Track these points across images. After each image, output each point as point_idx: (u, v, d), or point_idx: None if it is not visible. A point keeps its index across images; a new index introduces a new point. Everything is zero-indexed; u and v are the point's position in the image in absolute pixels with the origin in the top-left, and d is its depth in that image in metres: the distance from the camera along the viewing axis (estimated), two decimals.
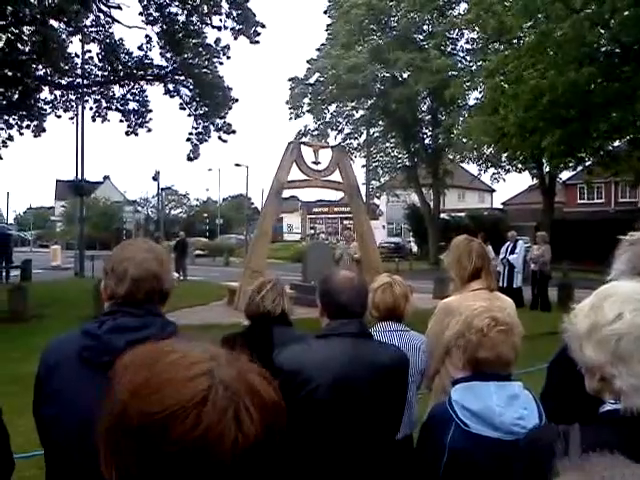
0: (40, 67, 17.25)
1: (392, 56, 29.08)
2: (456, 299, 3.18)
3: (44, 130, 19.33)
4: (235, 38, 18.59)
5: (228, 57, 18.95)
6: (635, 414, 1.32)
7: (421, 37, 31.81)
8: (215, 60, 18.79)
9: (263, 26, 18.67)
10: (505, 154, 24.73)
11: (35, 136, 19.16)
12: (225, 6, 18.00)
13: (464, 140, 27.21)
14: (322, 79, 33.03)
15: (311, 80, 33.73)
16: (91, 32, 18.25)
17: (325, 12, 35.00)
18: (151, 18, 18.01)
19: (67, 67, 17.26)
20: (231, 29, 18.36)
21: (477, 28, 24.43)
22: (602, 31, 17.57)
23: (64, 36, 16.56)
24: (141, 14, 17.91)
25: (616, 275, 2.20)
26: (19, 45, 16.23)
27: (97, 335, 1.75)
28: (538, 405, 2.15)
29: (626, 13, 16.10)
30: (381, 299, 3.07)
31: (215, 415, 0.79)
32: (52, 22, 15.52)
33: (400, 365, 2.46)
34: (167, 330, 1.79)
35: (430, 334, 3.21)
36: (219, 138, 20.11)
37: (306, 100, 34.20)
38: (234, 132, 20.30)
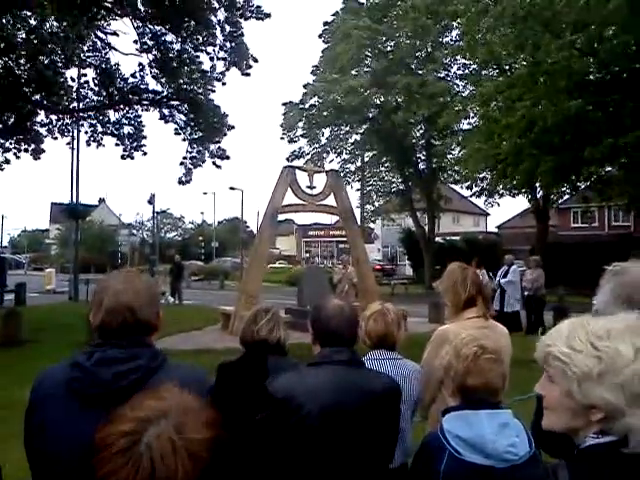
0: (35, 91, 17.39)
1: (390, 79, 29.37)
2: (452, 327, 3.18)
3: (43, 151, 19.41)
4: (227, 69, 18.86)
5: (223, 83, 19.17)
6: None
7: (416, 62, 32.18)
8: (210, 87, 18.98)
9: (255, 60, 18.93)
10: (500, 182, 24.85)
11: (34, 159, 19.23)
12: (220, 37, 18.27)
13: (457, 168, 27.57)
14: (317, 103, 33.34)
15: (307, 105, 34.03)
16: (87, 57, 18.42)
17: (320, 36, 35.38)
18: (146, 46, 18.22)
19: (62, 92, 17.37)
20: (223, 59, 18.61)
21: (468, 56, 24.76)
22: (591, 60, 17.83)
23: (59, 64, 16.68)
24: (136, 42, 18.14)
25: (600, 305, 2.23)
26: (15, 70, 16.37)
27: (85, 367, 1.75)
28: (527, 432, 2.18)
29: (614, 42, 16.36)
30: (373, 327, 3.07)
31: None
32: (47, 51, 15.65)
33: (391, 393, 2.47)
34: (155, 362, 1.79)
35: (426, 362, 3.20)
36: (213, 164, 20.23)
37: (300, 124, 34.44)
38: (228, 158, 20.43)
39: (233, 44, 18.30)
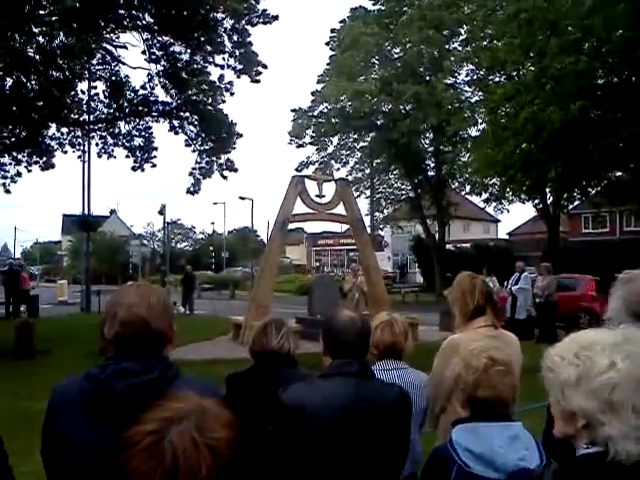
0: (46, 105, 17.53)
1: (399, 87, 29.43)
2: (463, 336, 3.17)
3: (53, 166, 19.55)
4: (238, 77, 18.90)
5: (232, 93, 19.22)
6: (623, 458, 1.34)
7: (422, 70, 32.23)
8: (219, 97, 19.05)
9: (265, 67, 18.93)
10: (509, 188, 24.77)
11: (42, 170, 19.37)
12: (228, 45, 18.32)
13: (467, 175, 27.56)
14: (326, 110, 33.46)
15: (315, 112, 34.15)
16: (97, 70, 18.57)
17: (327, 44, 35.52)
18: (154, 57, 18.34)
19: (72, 106, 17.51)
20: (233, 68, 18.68)
21: (474, 62, 24.83)
22: (598, 64, 17.80)
23: (68, 79, 16.81)
24: (144, 52, 18.25)
25: (612, 313, 2.24)
26: (27, 84, 16.54)
27: (99, 379, 1.77)
28: (538, 445, 2.15)
29: (620, 44, 16.33)
30: (380, 338, 3.08)
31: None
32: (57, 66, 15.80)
33: (402, 404, 2.48)
34: (168, 374, 1.80)
35: (436, 371, 3.19)
36: (221, 175, 20.28)
37: (309, 131, 34.54)
38: (236, 170, 20.47)
39: (242, 51, 18.37)
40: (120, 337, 1.83)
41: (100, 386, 1.75)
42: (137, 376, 1.75)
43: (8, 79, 15.77)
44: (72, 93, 17.40)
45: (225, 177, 20.41)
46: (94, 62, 17.70)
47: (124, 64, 18.60)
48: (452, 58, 29.96)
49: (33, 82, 16.13)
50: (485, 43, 21.01)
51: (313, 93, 34.30)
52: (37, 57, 14.90)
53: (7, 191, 19.49)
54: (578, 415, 1.41)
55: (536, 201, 27.84)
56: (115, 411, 1.67)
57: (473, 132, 28.92)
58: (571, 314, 16.11)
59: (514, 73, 22.40)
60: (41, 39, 15.02)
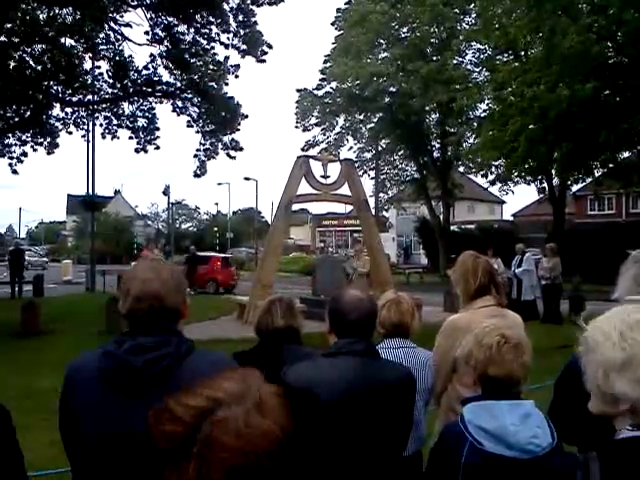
0: (52, 84, 17.46)
1: (408, 66, 29.18)
2: (464, 316, 3.17)
3: (57, 146, 19.54)
4: (242, 57, 18.78)
5: (236, 76, 19.09)
6: None
7: (430, 49, 31.93)
8: (223, 79, 18.91)
9: (270, 46, 18.80)
10: (514, 169, 24.56)
11: (48, 153, 19.38)
12: (233, 25, 18.17)
13: (472, 155, 27.40)
14: (332, 90, 33.24)
15: (321, 92, 33.97)
16: (101, 49, 18.45)
17: (333, 24, 35.20)
18: (157, 37, 18.19)
19: (78, 84, 17.42)
20: (237, 48, 18.53)
21: (483, 40, 24.57)
22: (609, 44, 17.57)
23: (76, 52, 16.71)
24: (147, 33, 18.12)
25: (622, 292, 2.21)
26: (31, 62, 16.45)
27: (116, 355, 1.78)
28: (550, 423, 2.12)
29: (633, 25, 16.10)
30: (387, 316, 3.06)
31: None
32: (65, 40, 15.71)
33: (407, 384, 2.46)
34: (183, 348, 1.82)
35: (437, 351, 3.20)
36: (227, 155, 20.21)
37: (315, 112, 34.36)
38: (241, 149, 20.37)
39: (246, 31, 18.21)
40: (134, 312, 1.85)
41: (118, 362, 1.77)
42: (154, 351, 1.77)
43: (11, 61, 15.68)
44: (80, 68, 17.32)
45: (233, 157, 20.35)
46: (98, 41, 17.60)
47: (130, 40, 18.44)
48: (460, 37, 29.66)
49: (41, 55, 16.02)
50: (495, 20, 20.72)
51: (322, 71, 34.03)
52: (49, 24, 14.79)
53: (14, 171, 19.51)
54: (622, 400, 1.33)
55: (542, 182, 27.71)
56: (134, 386, 1.71)
57: (479, 112, 28.76)
58: (203, 283, 23.33)
59: (522, 53, 22.17)
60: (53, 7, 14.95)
